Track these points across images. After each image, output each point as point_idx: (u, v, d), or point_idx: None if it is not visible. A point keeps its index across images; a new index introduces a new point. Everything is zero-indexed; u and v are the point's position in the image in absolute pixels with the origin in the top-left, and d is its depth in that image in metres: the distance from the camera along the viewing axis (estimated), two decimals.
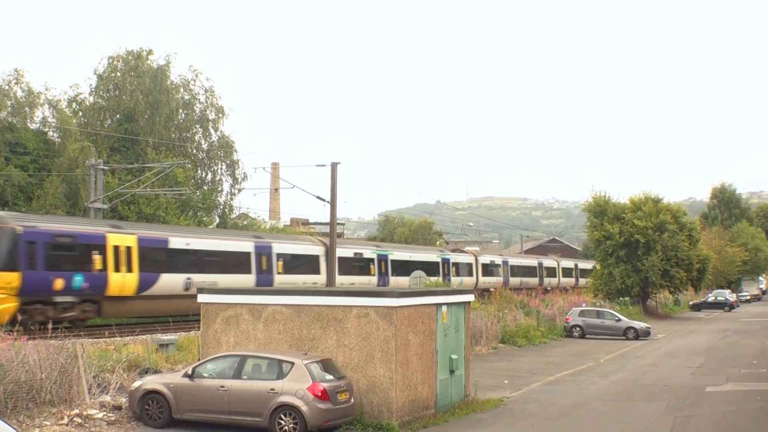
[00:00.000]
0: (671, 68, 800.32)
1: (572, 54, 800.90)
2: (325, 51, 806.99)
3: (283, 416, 21.32)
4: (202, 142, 75.80)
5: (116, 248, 43.74)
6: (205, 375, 22.55)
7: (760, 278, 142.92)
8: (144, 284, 44.98)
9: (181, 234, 49.59)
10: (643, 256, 77.68)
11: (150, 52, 72.85)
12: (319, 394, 21.22)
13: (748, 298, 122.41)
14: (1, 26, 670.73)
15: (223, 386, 22.00)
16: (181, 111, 74.12)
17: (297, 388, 21.32)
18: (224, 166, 76.37)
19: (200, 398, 22.23)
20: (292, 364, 21.78)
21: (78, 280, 41.50)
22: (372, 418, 23.19)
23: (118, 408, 23.30)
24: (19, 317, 37.16)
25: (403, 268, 68.49)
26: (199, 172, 74.63)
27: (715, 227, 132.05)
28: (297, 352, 23.42)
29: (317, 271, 58.34)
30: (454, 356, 26.56)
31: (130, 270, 44.30)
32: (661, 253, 77.60)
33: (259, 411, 21.53)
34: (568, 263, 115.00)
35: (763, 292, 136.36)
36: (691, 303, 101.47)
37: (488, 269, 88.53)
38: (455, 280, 76.65)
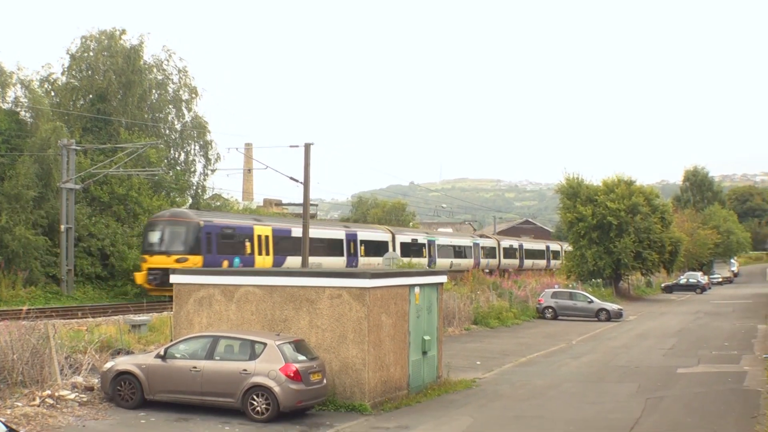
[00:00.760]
0: (645, 50, 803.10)
1: (545, 36, 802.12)
2: (298, 32, 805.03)
3: (255, 397, 21.32)
4: (175, 122, 75.25)
5: (259, 237, 56.85)
6: (178, 356, 22.50)
7: (732, 261, 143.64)
8: (276, 265, 55.95)
9: (298, 225, 58.31)
10: (615, 238, 78.07)
11: (123, 32, 72.17)
12: (292, 374, 21.22)
13: (720, 280, 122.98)
14: None
15: (195, 367, 21.97)
16: (154, 91, 73.53)
17: (269, 368, 21.32)
18: (197, 147, 75.83)
19: (172, 379, 22.19)
20: (265, 344, 21.77)
21: (236, 262, 54.11)
22: (344, 399, 23.23)
23: (90, 389, 23.22)
24: None
25: (445, 251, 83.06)
26: (172, 152, 74.09)
27: (688, 210, 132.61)
28: (269, 332, 23.39)
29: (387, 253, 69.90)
30: (426, 337, 26.61)
31: (267, 254, 57.23)
32: (633, 235, 78.02)
33: (232, 392, 21.53)
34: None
35: (735, 275, 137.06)
36: (663, 285, 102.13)
37: (509, 252, 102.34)
38: (485, 262, 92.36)
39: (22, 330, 23.40)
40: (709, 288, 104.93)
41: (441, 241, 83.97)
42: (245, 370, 21.55)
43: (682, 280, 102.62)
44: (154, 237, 53.25)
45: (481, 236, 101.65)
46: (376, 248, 70.32)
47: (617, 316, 57.71)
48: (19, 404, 21.16)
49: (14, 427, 17.83)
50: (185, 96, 75.36)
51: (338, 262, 64.45)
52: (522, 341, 43.77)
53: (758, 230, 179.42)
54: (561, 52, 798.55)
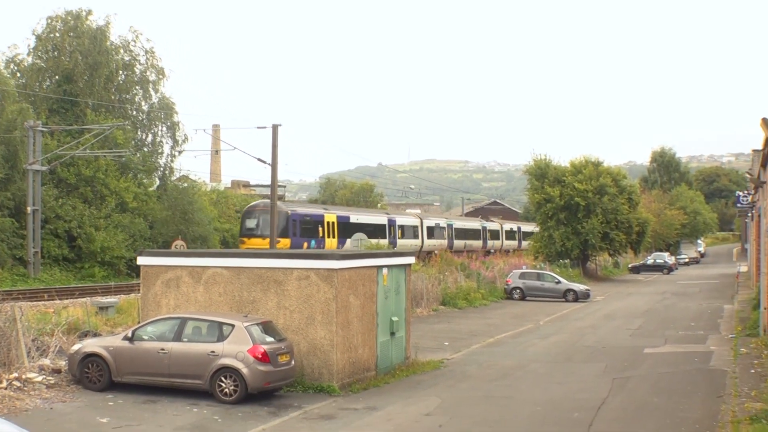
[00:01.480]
0: (612, 31, 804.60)
1: (513, 18, 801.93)
2: (266, 13, 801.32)
3: (223, 378, 21.33)
4: (143, 103, 74.78)
5: (328, 223, 66.98)
6: (145, 338, 22.46)
7: (699, 241, 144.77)
8: (339, 246, 66.89)
9: (353, 212, 74.41)
10: (583, 219, 78.39)
11: (89, 12, 71.68)
12: (260, 356, 21.23)
13: (687, 260, 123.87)
14: None
15: (163, 349, 21.94)
16: (121, 72, 73.01)
17: (237, 350, 21.32)
18: (165, 128, 75.32)
19: (140, 361, 22.15)
20: (233, 326, 21.77)
21: (312, 243, 64.28)
22: (313, 380, 23.27)
23: (58, 371, 23.15)
24: None
25: (461, 233, 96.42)
26: (139, 133, 73.68)
27: (655, 190, 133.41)
28: (237, 314, 23.37)
29: (417, 237, 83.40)
30: (394, 318, 26.68)
31: (333, 237, 67.28)
32: (601, 216, 78.36)
33: (200, 373, 21.52)
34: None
35: (702, 255, 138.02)
36: (630, 266, 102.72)
37: (509, 235, 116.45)
38: (491, 243, 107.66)
39: None
40: (676, 268, 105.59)
41: (457, 225, 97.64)
42: (213, 351, 21.54)
43: (649, 261, 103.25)
44: (252, 223, 63.71)
45: (488, 220, 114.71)
46: (410, 232, 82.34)
47: (585, 296, 58.01)
48: None
49: None
50: (152, 77, 74.91)
51: (383, 243, 72.93)
52: (490, 322, 43.93)
53: (725, 211, 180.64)
54: (528, 33, 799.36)
